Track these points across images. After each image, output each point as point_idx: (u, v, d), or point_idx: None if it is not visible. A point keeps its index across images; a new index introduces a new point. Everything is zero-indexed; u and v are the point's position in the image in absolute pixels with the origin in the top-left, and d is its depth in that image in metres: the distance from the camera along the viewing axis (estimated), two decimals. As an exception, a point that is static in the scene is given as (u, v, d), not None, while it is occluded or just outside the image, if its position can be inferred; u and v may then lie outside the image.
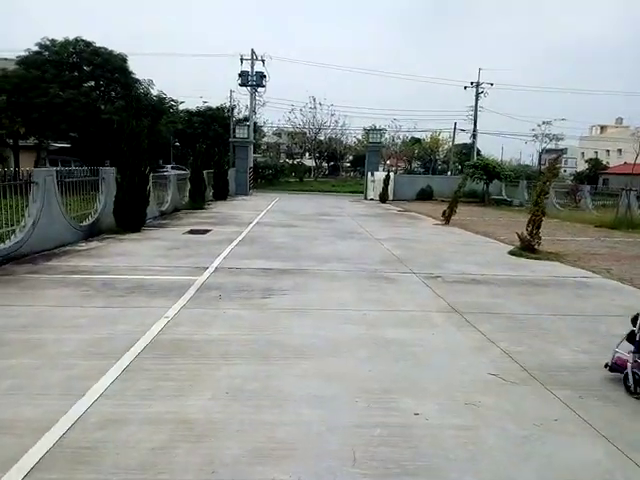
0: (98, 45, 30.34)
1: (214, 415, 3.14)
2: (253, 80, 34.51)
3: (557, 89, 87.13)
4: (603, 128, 65.32)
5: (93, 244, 9.51)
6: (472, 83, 35.63)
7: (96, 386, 3.45)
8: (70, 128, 27.61)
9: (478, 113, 36.31)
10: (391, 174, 29.13)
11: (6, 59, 31.67)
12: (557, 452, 2.89)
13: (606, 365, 3.91)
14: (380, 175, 28.73)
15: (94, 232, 10.67)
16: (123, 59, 31.79)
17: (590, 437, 3.07)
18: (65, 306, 5.30)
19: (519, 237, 10.05)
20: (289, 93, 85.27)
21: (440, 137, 57.78)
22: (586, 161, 58.76)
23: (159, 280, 6.65)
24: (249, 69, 34.55)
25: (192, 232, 11.56)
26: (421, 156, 66.67)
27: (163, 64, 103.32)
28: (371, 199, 28.65)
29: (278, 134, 65.43)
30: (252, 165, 35.40)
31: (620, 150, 53.35)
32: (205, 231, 11.78)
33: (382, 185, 27.53)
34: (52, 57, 28.06)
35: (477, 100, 35.93)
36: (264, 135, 68.32)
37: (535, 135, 34.41)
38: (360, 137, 63.31)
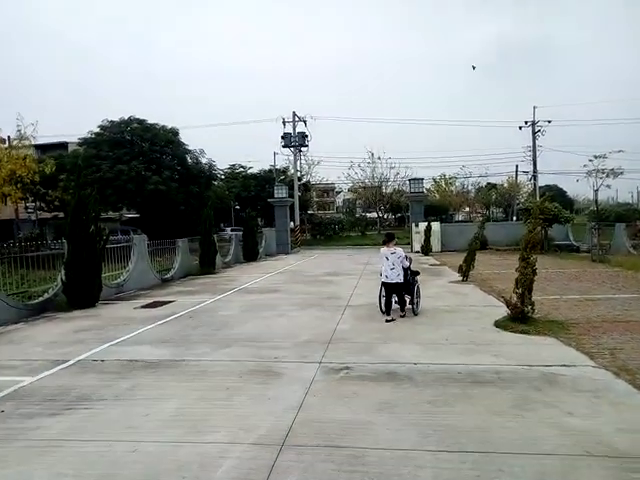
0: (150, 122, 32.74)
1: None
2: (295, 141, 34.86)
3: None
4: None
5: None
6: (527, 122, 32.46)
7: None
8: (119, 200, 29.40)
9: (537, 153, 32.79)
10: (434, 224, 26.61)
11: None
12: None
13: None
14: (424, 226, 26.51)
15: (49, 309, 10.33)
16: (174, 132, 33.85)
17: None
18: None
19: (506, 303, 7.74)
20: (346, 149, 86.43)
21: (519, 180, 53.49)
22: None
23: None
24: (291, 131, 35.04)
25: (147, 306, 10.60)
26: (500, 202, 62.28)
27: (212, 134, 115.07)
28: (417, 251, 26.36)
29: (355, 190, 64.27)
30: (298, 223, 35.04)
31: None
32: (163, 303, 10.77)
33: (423, 236, 25.30)
34: (108, 136, 30.60)
35: (534, 140, 32.53)
36: (340, 191, 68.53)
37: (588, 172, 29.55)
38: (430, 186, 61.30)
